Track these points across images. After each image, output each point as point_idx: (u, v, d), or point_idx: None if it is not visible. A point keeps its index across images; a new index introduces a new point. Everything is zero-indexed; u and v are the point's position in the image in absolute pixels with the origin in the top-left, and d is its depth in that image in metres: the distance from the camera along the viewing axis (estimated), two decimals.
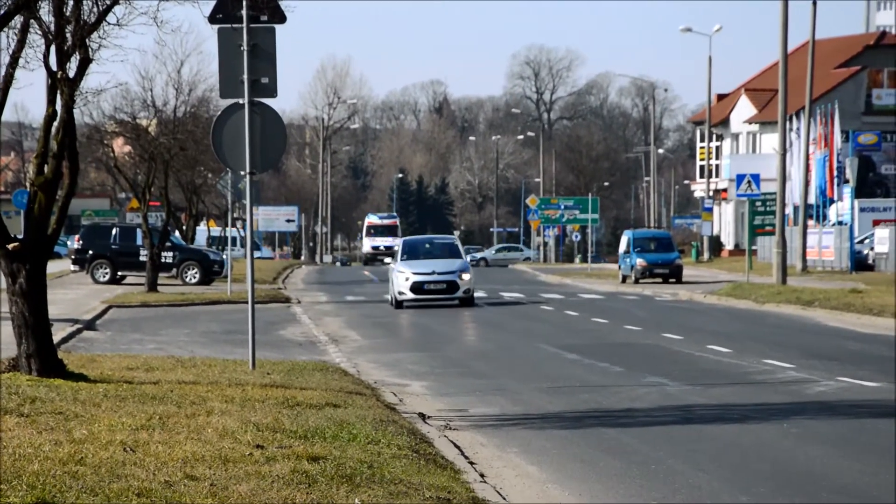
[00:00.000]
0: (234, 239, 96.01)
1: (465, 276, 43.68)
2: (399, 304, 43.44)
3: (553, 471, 14.73)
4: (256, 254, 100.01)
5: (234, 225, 61.02)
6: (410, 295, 43.21)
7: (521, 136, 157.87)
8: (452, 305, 43.59)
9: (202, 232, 79.36)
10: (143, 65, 56.50)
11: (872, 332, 34.47)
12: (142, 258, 54.18)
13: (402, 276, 43.31)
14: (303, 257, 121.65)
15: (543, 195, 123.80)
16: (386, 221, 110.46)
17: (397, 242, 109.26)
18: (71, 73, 19.75)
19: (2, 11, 17.25)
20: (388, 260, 49.40)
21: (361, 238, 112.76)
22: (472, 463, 15.02)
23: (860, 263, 67.82)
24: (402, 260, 44.30)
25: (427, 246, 46.55)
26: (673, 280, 63.62)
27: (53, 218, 20.12)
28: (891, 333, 33.93)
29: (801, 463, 15.16)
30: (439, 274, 43.45)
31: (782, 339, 31.69)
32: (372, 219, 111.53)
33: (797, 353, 27.36)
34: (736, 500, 13.00)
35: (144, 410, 16.29)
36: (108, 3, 19.46)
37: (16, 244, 19.73)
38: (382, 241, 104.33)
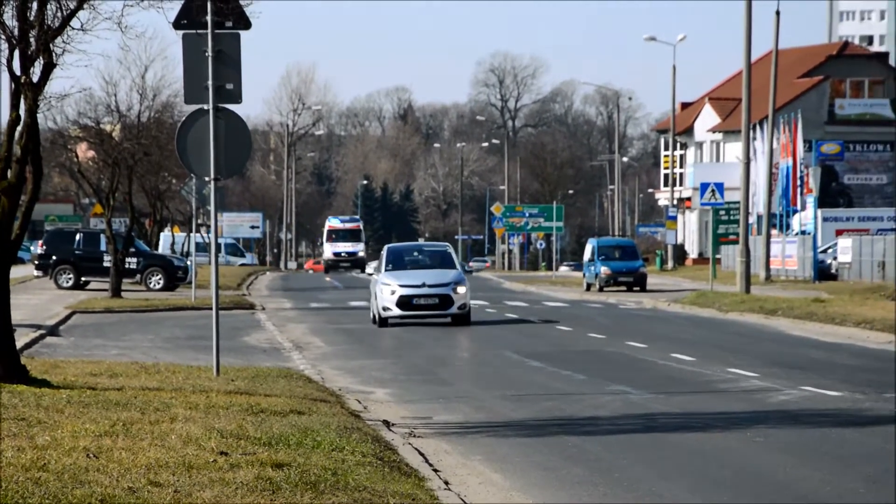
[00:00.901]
0: (218, 246, 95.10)
1: (461, 290, 37.87)
2: (383, 322, 37.62)
3: (517, 478, 14.75)
4: (241, 260, 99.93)
5: (198, 231, 60.86)
6: (396, 311, 37.42)
7: (485, 144, 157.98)
8: (444, 324, 38.30)
9: (166, 238, 79.20)
10: (107, 70, 56.17)
11: (835, 340, 34.61)
12: (105, 264, 54.08)
13: (388, 290, 37.55)
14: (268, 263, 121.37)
15: (508, 203, 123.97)
16: (348, 225, 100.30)
17: (360, 248, 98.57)
18: (35, 78, 19.71)
19: None
20: (369, 269, 41.42)
21: (322, 243, 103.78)
22: (436, 470, 15.03)
23: (823, 273, 68.05)
24: (386, 270, 38.53)
25: (416, 254, 40.92)
26: (637, 288, 63.79)
27: (17, 223, 20.06)
28: (853, 342, 34.06)
29: (764, 471, 15.20)
30: (430, 287, 37.69)
31: (745, 348, 31.79)
32: (333, 222, 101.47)
33: (760, 362, 27.46)
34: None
35: (108, 417, 16.25)
36: (72, 7, 19.41)
37: None
38: (344, 247, 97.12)
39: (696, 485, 14.35)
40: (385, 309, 37.46)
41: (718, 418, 19.23)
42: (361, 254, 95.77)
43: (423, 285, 37.60)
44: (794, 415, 19.54)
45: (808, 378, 24.28)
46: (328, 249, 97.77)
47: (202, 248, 76.24)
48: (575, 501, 13.52)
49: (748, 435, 17.62)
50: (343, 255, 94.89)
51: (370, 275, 38.81)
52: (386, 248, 41.44)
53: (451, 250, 41.29)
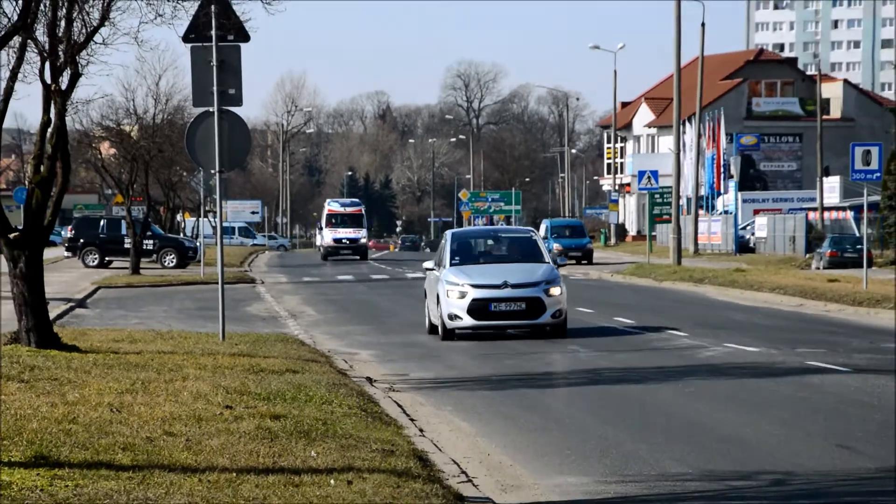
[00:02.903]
0: (233, 229, 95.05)
1: (555, 291, 24.68)
2: (448, 334, 24.68)
3: (482, 426, 14.78)
4: (251, 241, 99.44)
5: (205, 216, 60.68)
6: (468, 320, 24.55)
7: (453, 139, 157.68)
8: (524, 335, 24.98)
9: (190, 222, 78.93)
10: (125, 78, 56.16)
11: (753, 304, 34.74)
12: (126, 245, 53.91)
13: (456, 291, 24.76)
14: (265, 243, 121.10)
15: (473, 189, 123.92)
16: (349, 209, 75.89)
17: (362, 234, 75.27)
18: (63, 86, 19.67)
19: (2, 33, 17.09)
20: (428, 264, 27.05)
21: (321, 228, 78.52)
22: (412, 420, 15.04)
23: (743, 247, 68.28)
24: (452, 265, 25.48)
25: (490, 242, 27.33)
26: (585, 261, 63.86)
27: (49, 211, 20.02)
28: (769, 306, 34.17)
29: (694, 417, 15.26)
30: (514, 287, 24.69)
31: (677, 312, 31.87)
32: (333, 206, 76.96)
33: (690, 323, 27.53)
34: (637, 447, 13.08)
35: (128, 376, 16.22)
36: (95, 24, 19.37)
37: (16, 234, 19.63)
38: (346, 233, 73.99)
39: (636, 429, 14.39)
40: (452, 317, 24.65)
41: (655, 372, 19.29)
42: (364, 240, 74.98)
43: (505, 285, 24.68)
44: (719, 368, 19.61)
45: (731, 336, 24.36)
46: (328, 235, 74.45)
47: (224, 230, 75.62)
48: (532, 444, 13.54)
49: (680, 386, 17.68)
50: (344, 241, 73.65)
51: (428, 269, 26.12)
52: (449, 233, 27.05)
53: (538, 236, 27.10)
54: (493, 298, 24.59)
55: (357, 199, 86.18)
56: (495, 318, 24.61)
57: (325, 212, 76.02)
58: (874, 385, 17.42)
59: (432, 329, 25.77)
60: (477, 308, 24.52)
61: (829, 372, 18.85)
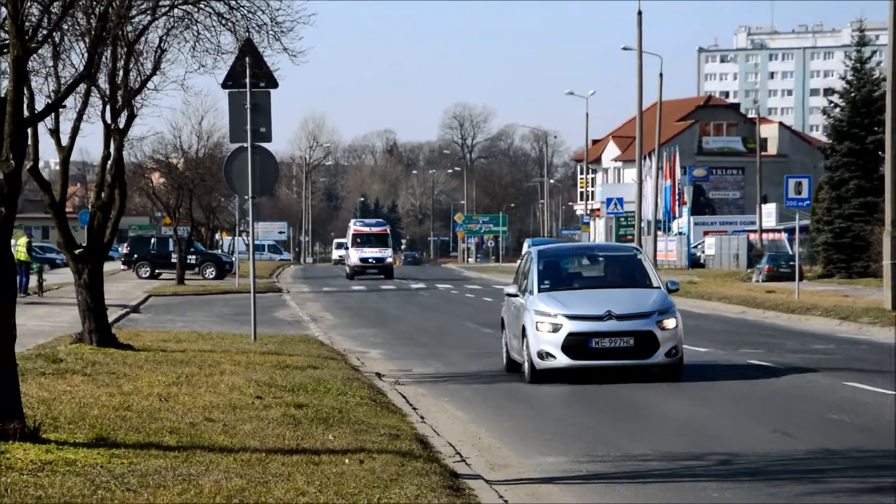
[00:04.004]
0: (263, 246, 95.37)
1: (669, 323, 17.34)
2: (537, 375, 17.37)
3: (475, 414, 14.74)
4: (278, 256, 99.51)
5: (240, 235, 60.77)
6: (563, 359, 17.19)
7: (450, 170, 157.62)
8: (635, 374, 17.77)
9: (227, 241, 78.92)
10: (173, 119, 56.44)
11: (703, 312, 34.70)
12: (173, 260, 53.90)
13: (547, 323, 17.33)
14: (290, 259, 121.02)
15: (467, 213, 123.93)
16: (375, 230, 65.89)
17: (388, 254, 64.29)
18: (121, 125, 19.74)
19: (70, 81, 17.14)
20: (510, 289, 18.50)
21: (346, 248, 67.99)
22: (415, 408, 15.01)
23: (695, 262, 68.29)
24: (542, 290, 17.93)
25: (587, 262, 19.55)
26: None
27: (108, 231, 20.05)
28: (717, 313, 34.12)
29: (653, 407, 15.23)
30: (620, 319, 17.28)
31: None
32: (358, 227, 66.81)
33: None
34: (605, 433, 13.05)
35: (175, 371, 16.21)
36: (148, 73, 19.46)
37: (81, 250, 19.67)
38: (372, 252, 64.33)
39: (606, 418, 14.37)
40: (543, 356, 17.21)
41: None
42: (390, 259, 65.33)
43: (609, 316, 17.19)
44: None
45: (685, 339, 24.26)
46: (354, 255, 64.82)
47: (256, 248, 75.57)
48: (517, 428, 13.50)
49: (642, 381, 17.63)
50: (371, 261, 64.24)
51: (510, 296, 18.64)
52: (534, 251, 18.94)
53: (643, 256, 19.08)
54: (595, 333, 16.95)
55: (382, 220, 75.94)
56: (597, 356, 16.99)
57: (351, 232, 65.98)
58: (805, 380, 17.39)
59: (511, 366, 18.41)
60: (574, 345, 16.96)
61: (767, 369, 18.83)
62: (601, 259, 19.21)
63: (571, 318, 17.07)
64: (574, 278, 18.44)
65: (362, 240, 64.73)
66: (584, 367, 17.04)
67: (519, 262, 19.86)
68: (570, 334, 16.98)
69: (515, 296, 18.39)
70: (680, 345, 17.10)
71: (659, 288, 17.85)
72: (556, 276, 18.18)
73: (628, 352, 16.95)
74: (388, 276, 62.82)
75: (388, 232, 66.48)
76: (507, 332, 18.76)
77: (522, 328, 17.48)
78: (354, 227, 66.55)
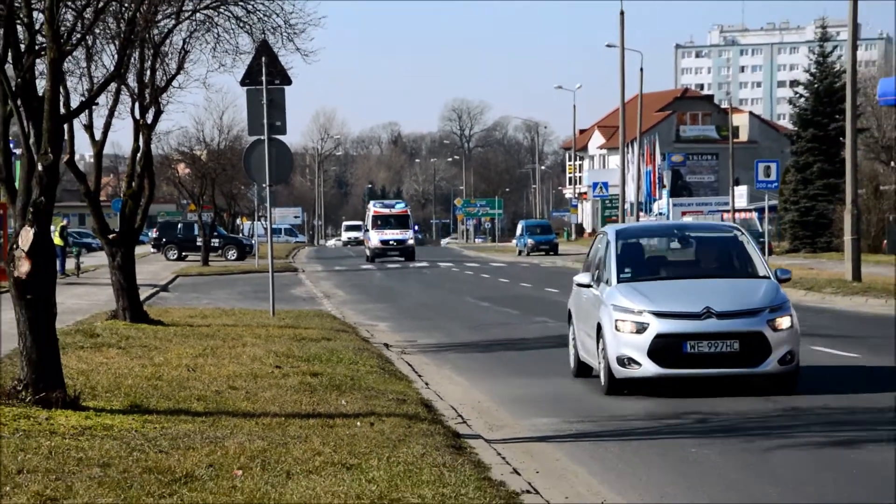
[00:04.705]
0: (280, 230, 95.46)
1: (783, 322, 12.25)
2: (616, 385, 12.63)
3: (474, 380, 14.77)
4: (293, 239, 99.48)
5: (258, 220, 60.76)
6: (650, 366, 12.30)
7: (450, 159, 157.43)
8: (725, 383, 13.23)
9: (248, 225, 78.94)
10: (196, 114, 56.28)
11: None
12: (198, 243, 53.90)
13: (629, 321, 12.41)
14: (305, 241, 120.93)
15: (465, 198, 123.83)
16: (395, 210, 58.01)
17: (409, 236, 56.35)
18: (149, 121, 19.73)
19: (102, 81, 17.13)
20: (581, 279, 13.35)
21: (366, 231, 59.89)
22: (420, 376, 15.04)
23: None
24: (620, 280, 12.91)
25: (676, 245, 14.05)
26: (552, 253, 63.82)
27: (139, 217, 20.06)
28: None
29: None
30: (721, 317, 12.19)
31: None
32: (378, 208, 58.58)
33: None
34: (594, 396, 13.04)
35: (201, 344, 16.23)
36: (173, 73, 19.45)
37: (114, 235, 19.70)
38: (393, 234, 56.48)
39: (594, 382, 14.38)
40: (625, 362, 12.53)
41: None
42: (411, 241, 57.13)
43: (707, 314, 12.32)
44: None
45: None
46: (374, 237, 56.78)
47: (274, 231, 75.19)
48: (508, 390, 13.49)
49: None
50: (392, 243, 56.31)
51: (581, 285, 13.92)
52: (611, 230, 13.95)
53: (745, 237, 13.55)
54: (690, 334, 12.30)
55: (402, 201, 67.67)
56: (692, 364, 12.36)
57: (371, 213, 57.92)
58: None
59: (581, 370, 14.14)
60: (663, 349, 12.35)
61: None
62: (693, 241, 13.95)
63: (660, 315, 12.34)
64: (661, 265, 13.58)
65: (382, 222, 57.08)
66: (677, 376, 12.42)
67: (591, 243, 14.71)
68: (659, 336, 12.29)
69: (588, 286, 13.58)
70: (796, 349, 12.41)
71: (767, 278, 12.93)
72: (639, 262, 13.38)
73: (732, 358, 12.24)
74: (410, 259, 55.89)
75: (409, 213, 59.15)
76: (576, 328, 14.18)
77: (597, 326, 12.87)
78: (374, 208, 58.63)
